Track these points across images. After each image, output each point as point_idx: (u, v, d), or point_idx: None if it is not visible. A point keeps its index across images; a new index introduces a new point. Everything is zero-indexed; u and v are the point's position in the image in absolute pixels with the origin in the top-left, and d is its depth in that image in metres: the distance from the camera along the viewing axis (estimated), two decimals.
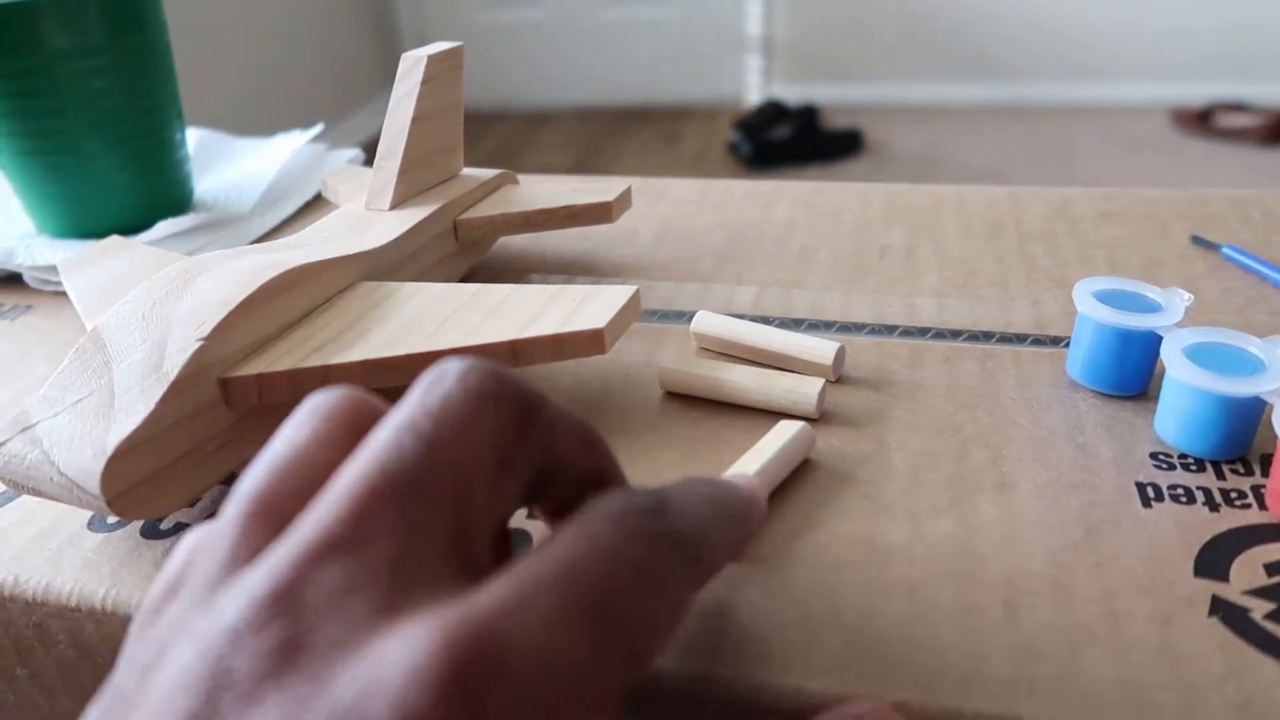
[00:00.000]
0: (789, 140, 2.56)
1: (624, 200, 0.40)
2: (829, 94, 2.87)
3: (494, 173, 0.43)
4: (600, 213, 0.39)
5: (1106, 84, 2.76)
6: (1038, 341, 0.35)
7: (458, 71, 0.40)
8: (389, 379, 0.28)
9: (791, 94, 2.88)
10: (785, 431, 0.28)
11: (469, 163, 2.58)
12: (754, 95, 2.95)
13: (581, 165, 2.61)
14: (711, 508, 0.19)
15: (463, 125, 0.41)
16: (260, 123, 2.21)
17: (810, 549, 0.25)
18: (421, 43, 3.06)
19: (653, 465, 0.29)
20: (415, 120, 0.38)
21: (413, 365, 0.28)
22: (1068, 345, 0.34)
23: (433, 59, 0.38)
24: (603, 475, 0.20)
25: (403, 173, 0.38)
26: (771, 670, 0.22)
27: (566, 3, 2.99)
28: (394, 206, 0.38)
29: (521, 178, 0.44)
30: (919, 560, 0.25)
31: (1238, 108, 2.54)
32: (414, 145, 0.38)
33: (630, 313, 0.30)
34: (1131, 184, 2.22)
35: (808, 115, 2.67)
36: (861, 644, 0.23)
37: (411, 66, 0.38)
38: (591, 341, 0.28)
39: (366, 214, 0.38)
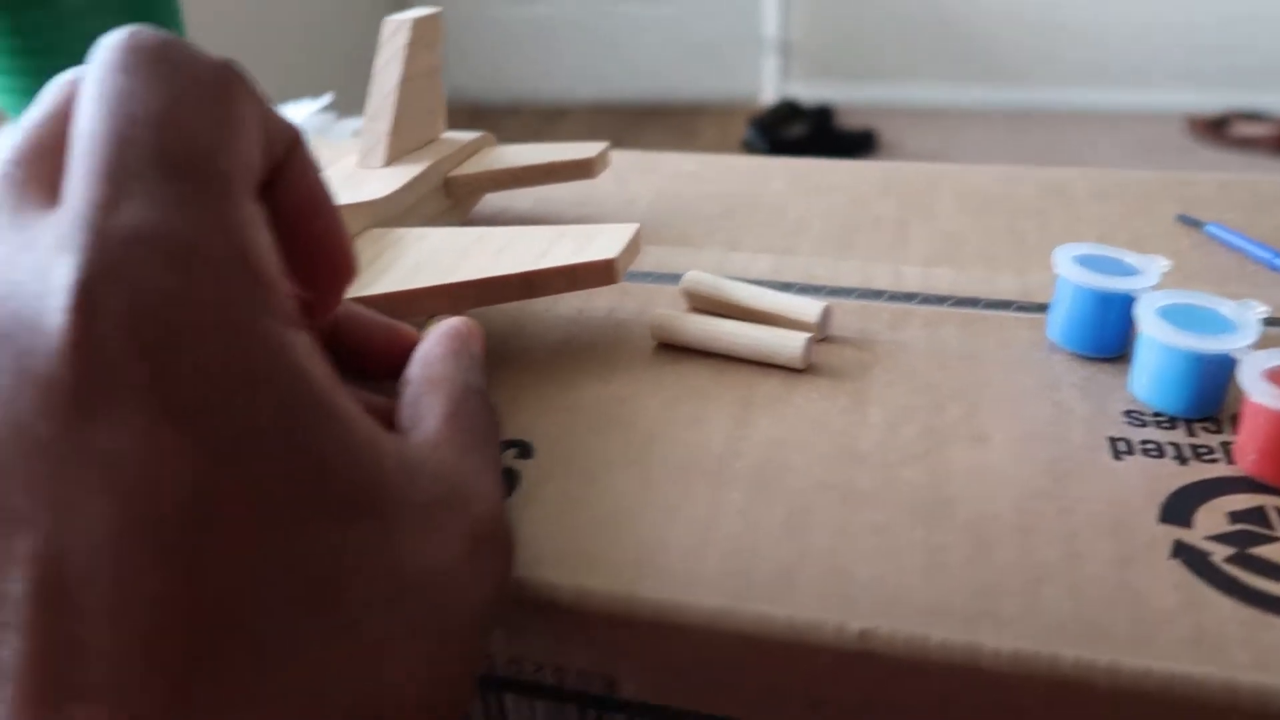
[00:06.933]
0: (803, 139, 2.56)
1: (604, 158, 0.42)
2: (844, 94, 2.87)
3: (475, 135, 0.44)
4: (583, 169, 0.41)
5: (1121, 90, 2.76)
6: (1021, 308, 0.35)
7: (438, 36, 0.41)
8: (411, 312, 0.30)
9: (807, 93, 2.88)
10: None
11: None
12: (769, 94, 2.96)
13: None
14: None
15: (443, 90, 0.42)
16: (286, 98, 2.24)
17: (782, 493, 0.26)
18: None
19: (638, 413, 0.30)
20: (402, 82, 0.39)
21: (433, 297, 0.30)
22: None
23: (418, 22, 0.39)
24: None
25: (392, 132, 0.39)
26: (740, 599, 0.23)
27: None
28: (386, 165, 0.39)
29: (500, 143, 0.45)
30: (888, 505, 0.26)
31: (1253, 116, 2.53)
32: (402, 106, 0.39)
33: (634, 249, 0.32)
34: None
35: (822, 115, 2.67)
36: (829, 576, 0.23)
37: (396, 30, 0.39)
38: (604, 271, 0.30)
39: (360, 171, 0.39)
